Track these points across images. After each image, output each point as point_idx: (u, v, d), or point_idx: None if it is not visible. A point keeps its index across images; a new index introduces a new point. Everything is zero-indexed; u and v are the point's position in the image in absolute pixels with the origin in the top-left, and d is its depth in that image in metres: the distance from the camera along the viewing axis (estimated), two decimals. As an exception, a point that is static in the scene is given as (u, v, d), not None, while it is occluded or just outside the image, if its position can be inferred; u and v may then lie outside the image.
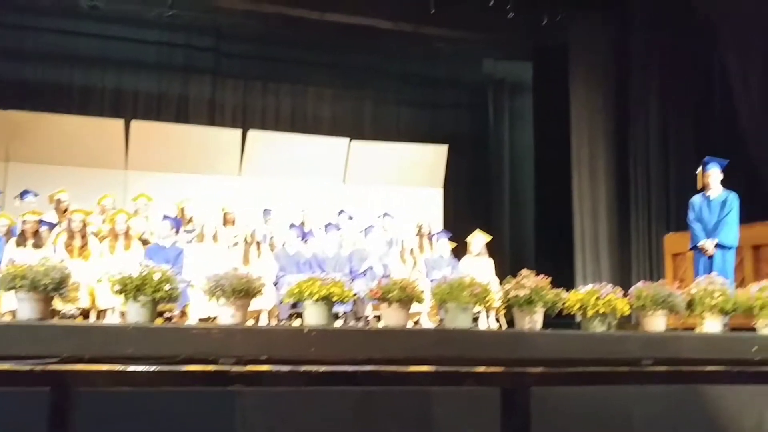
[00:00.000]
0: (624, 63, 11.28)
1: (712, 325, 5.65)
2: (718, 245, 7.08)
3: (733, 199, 7.19)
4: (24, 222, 7.43)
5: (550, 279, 5.31)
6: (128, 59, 11.99)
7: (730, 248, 7.11)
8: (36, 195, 8.65)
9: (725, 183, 7.28)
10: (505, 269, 8.23)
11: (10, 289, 4.71)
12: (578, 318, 5.53)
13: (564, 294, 5.36)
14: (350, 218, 9.55)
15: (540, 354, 4.77)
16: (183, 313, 7.24)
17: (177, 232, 7.97)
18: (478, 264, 8.26)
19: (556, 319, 5.65)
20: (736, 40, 9.92)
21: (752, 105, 9.74)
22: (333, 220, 9.14)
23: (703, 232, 7.25)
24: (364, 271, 7.99)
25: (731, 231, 7.10)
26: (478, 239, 8.51)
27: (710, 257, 7.12)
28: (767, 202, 9.14)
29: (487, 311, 7.68)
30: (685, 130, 11.00)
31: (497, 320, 8.01)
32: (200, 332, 4.21)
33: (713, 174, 7.32)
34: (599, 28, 11.39)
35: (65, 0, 11.00)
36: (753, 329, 5.72)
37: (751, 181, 9.31)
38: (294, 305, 6.72)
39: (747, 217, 7.46)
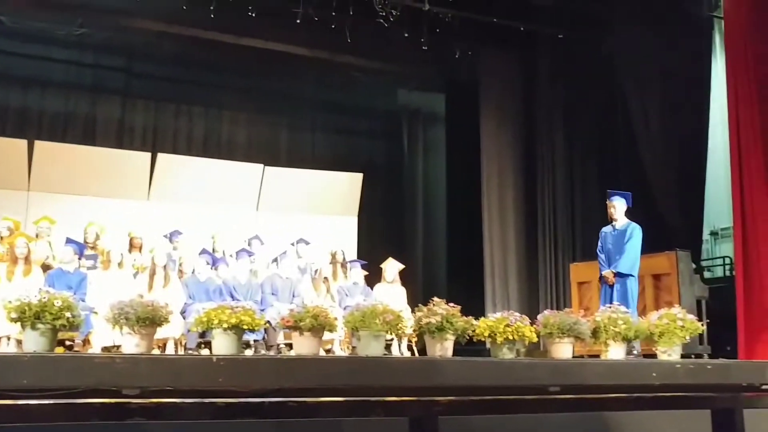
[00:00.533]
0: (532, 98, 11.67)
1: (615, 351, 5.83)
2: (617, 274, 7.35)
3: (634, 230, 7.48)
4: None
5: (460, 307, 5.38)
6: (34, 77, 11.54)
7: (628, 276, 7.37)
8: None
9: (630, 214, 7.60)
10: (418, 297, 8.27)
11: None
12: (488, 345, 5.63)
13: (474, 321, 5.43)
14: (262, 243, 9.44)
15: (450, 381, 4.80)
16: (86, 342, 6.95)
17: (81, 257, 7.67)
18: (392, 291, 8.30)
19: (467, 346, 5.72)
20: (635, 74, 10.44)
21: (651, 137, 10.24)
22: (245, 246, 9.02)
23: (606, 263, 7.53)
24: (277, 297, 7.89)
25: (628, 260, 7.36)
26: (392, 266, 8.57)
27: (611, 286, 7.38)
28: (668, 233, 9.59)
29: (400, 339, 7.72)
30: (590, 163, 11.45)
31: (409, 348, 8.05)
32: (103, 361, 4.04)
33: (617, 206, 7.62)
34: (508, 64, 11.77)
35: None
36: (654, 355, 5.96)
37: (652, 212, 9.75)
38: (202, 334, 6.56)
39: (648, 247, 7.78)
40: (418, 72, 12.62)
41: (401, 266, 8.67)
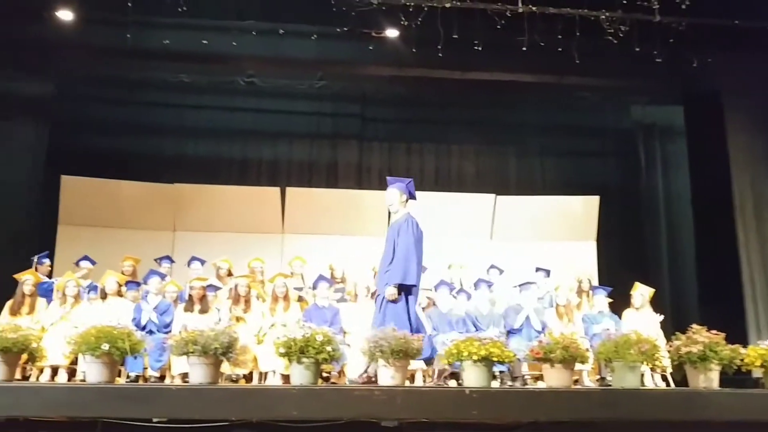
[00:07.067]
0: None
1: None
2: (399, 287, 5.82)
3: (402, 226, 5.97)
4: (191, 288, 7.89)
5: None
6: (281, 130, 12.63)
7: (410, 287, 5.88)
8: (203, 263, 9.18)
9: None
10: (667, 324, 7.82)
11: (183, 354, 4.97)
12: (755, 375, 5.13)
13: (742, 350, 4.99)
14: (501, 273, 9.41)
15: (718, 415, 4.43)
16: (341, 373, 7.33)
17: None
18: (641, 318, 7.87)
19: (730, 376, 5.25)
20: None
21: None
22: (483, 276, 9.05)
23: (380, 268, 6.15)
24: (519, 328, 7.81)
25: (398, 266, 5.85)
26: (640, 291, 8.15)
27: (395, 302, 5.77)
28: None
29: (653, 370, 7.26)
30: None
31: (664, 379, 7.54)
32: (363, 393, 4.24)
33: (390, 195, 6.18)
34: (754, 69, 10.76)
35: (223, 78, 11.84)
36: None
37: None
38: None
39: None
40: (652, 86, 11.96)
41: (651, 290, 8.22)
